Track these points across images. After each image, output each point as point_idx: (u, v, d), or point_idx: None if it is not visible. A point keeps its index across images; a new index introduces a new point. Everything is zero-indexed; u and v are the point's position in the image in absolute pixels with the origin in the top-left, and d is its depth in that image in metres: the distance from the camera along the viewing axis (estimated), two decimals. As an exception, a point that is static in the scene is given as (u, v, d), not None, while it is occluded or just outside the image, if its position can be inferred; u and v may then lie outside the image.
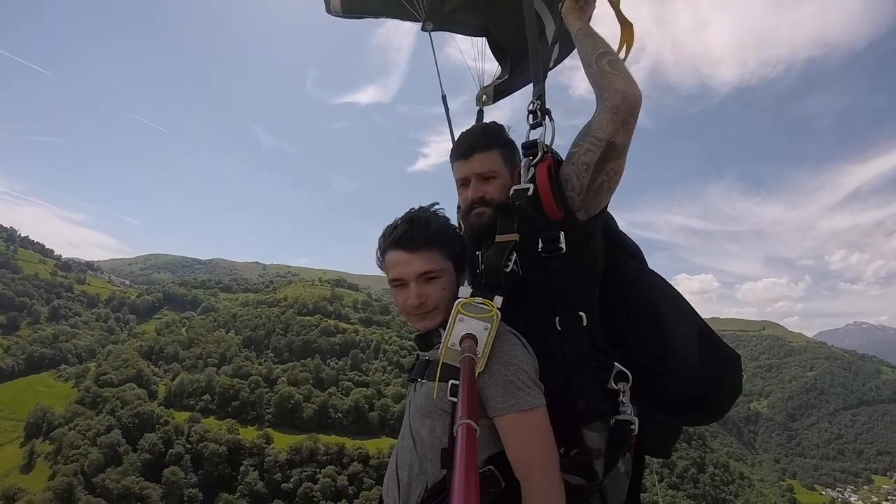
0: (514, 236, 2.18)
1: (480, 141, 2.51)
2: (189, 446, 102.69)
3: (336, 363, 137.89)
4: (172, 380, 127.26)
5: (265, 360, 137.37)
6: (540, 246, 2.20)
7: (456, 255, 2.24)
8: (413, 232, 2.18)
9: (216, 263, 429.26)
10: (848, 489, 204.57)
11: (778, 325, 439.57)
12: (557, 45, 3.02)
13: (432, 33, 3.67)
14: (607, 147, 2.15)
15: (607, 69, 2.20)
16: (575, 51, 2.63)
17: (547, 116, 2.46)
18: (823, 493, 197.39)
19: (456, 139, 2.67)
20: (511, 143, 2.55)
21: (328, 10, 3.86)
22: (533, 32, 2.64)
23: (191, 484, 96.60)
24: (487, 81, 3.71)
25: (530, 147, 2.42)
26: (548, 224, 2.22)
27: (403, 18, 3.71)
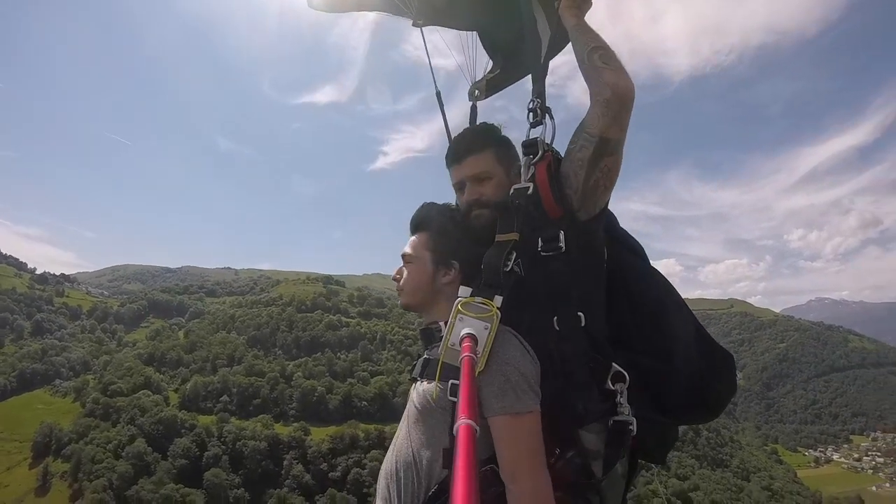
0: (514, 235, 2.22)
1: (472, 143, 2.59)
2: (224, 447, 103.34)
3: (346, 356, 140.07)
4: (182, 384, 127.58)
5: (275, 358, 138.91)
6: (540, 245, 2.21)
7: (435, 246, 2.40)
8: (414, 217, 2.52)
9: (187, 271, 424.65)
10: (829, 448, 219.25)
11: (745, 302, 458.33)
12: (549, 42, 2.94)
13: (423, 28, 3.61)
14: (600, 142, 2.16)
15: (598, 63, 2.20)
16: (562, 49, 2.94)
17: (547, 115, 2.46)
18: (806, 453, 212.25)
19: (451, 142, 2.79)
20: (505, 142, 2.62)
21: (310, 5, 3.79)
22: (532, 31, 2.70)
23: (234, 484, 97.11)
24: (479, 76, 3.63)
25: (530, 146, 2.43)
26: (548, 223, 2.24)
27: (393, 13, 3.69)
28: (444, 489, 1.94)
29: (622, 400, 2.12)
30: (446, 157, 2.66)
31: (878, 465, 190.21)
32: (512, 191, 2.36)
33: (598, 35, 2.34)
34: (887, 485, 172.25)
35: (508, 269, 2.16)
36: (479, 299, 2.01)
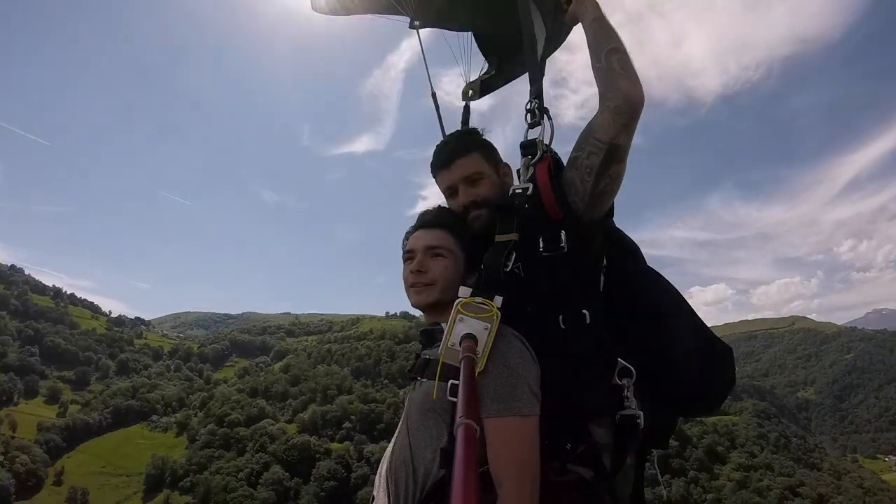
0: (514, 236, 2.29)
1: (459, 147, 2.66)
2: (370, 467, 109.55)
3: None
4: (294, 414, 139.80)
5: (384, 387, 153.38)
6: (541, 245, 2.26)
7: (466, 246, 2.45)
8: (429, 214, 2.56)
9: (247, 316, 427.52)
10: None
11: (805, 318, 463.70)
12: (545, 42, 3.09)
13: (420, 30, 3.81)
14: (610, 149, 2.20)
15: (615, 67, 2.21)
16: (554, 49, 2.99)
17: (545, 115, 2.55)
18: (886, 459, 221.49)
19: (436, 149, 2.79)
20: (488, 145, 2.72)
21: (314, 8, 4.10)
22: (529, 31, 2.78)
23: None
24: (473, 76, 3.80)
25: (529, 146, 2.53)
26: (548, 223, 2.29)
27: (390, 15, 3.87)
28: (441, 488, 1.96)
29: (629, 394, 2.20)
30: (432, 165, 2.74)
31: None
32: (511, 191, 2.46)
33: (617, 35, 2.36)
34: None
35: (509, 270, 2.23)
36: (479, 299, 2.04)
